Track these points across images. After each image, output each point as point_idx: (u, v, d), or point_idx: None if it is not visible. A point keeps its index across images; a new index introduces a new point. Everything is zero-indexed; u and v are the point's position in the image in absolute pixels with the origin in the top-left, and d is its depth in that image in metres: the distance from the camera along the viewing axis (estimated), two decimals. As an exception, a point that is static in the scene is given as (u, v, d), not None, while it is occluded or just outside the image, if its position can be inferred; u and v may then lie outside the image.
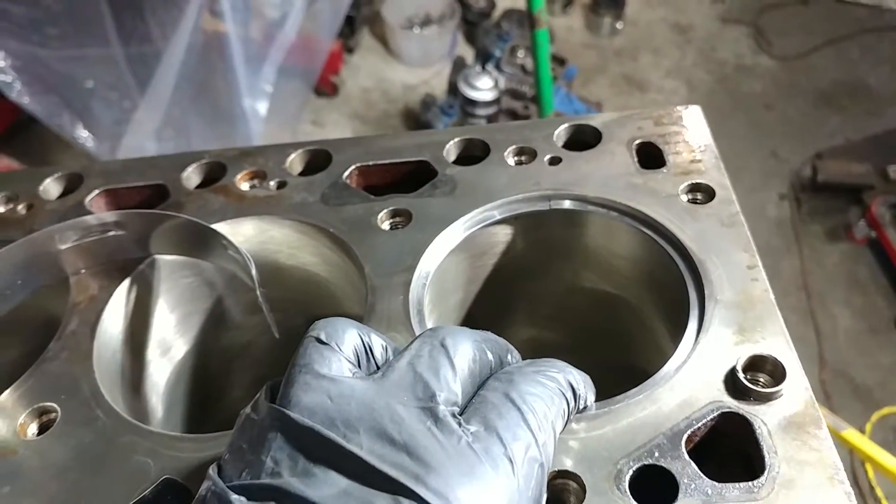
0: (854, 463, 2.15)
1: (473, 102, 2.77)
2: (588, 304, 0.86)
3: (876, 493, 2.14)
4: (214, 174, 0.85)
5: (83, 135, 2.53)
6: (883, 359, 2.49)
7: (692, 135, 0.80)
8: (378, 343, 0.52)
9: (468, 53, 3.31)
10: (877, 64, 3.37)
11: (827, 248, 2.77)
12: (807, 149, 2.98)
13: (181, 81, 2.41)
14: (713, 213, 0.72)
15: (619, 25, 3.58)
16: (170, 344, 0.82)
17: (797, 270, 2.69)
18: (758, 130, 3.12)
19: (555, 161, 0.79)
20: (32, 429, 0.62)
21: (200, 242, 0.73)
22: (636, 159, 0.78)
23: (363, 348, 0.51)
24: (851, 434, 1.77)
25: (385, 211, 0.76)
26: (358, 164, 0.82)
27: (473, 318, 0.85)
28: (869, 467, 2.15)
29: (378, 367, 0.51)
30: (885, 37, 3.50)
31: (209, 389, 0.89)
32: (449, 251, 0.73)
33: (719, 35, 3.60)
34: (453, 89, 2.90)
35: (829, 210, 2.84)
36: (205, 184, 0.85)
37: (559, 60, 2.96)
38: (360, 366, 0.50)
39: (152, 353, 0.80)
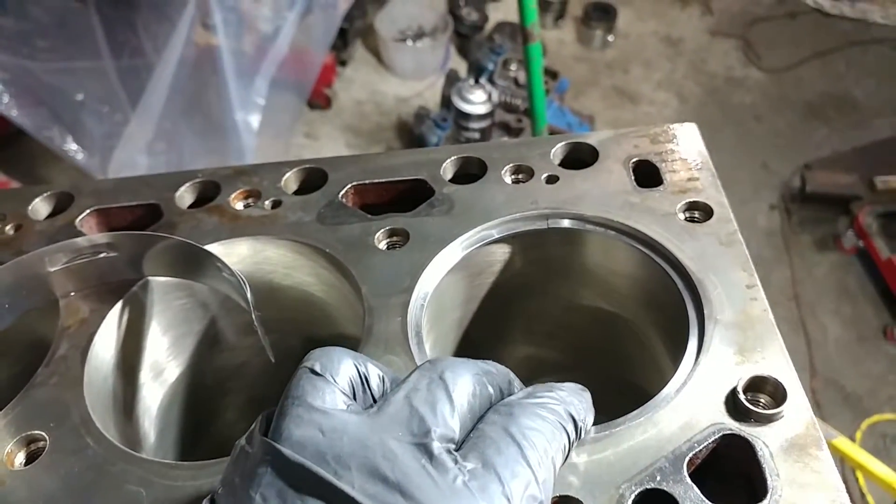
0: (845, 471, 2.16)
1: (467, 116, 2.77)
2: (586, 323, 0.86)
3: (867, 500, 2.15)
4: (208, 193, 0.84)
5: (73, 148, 2.51)
6: (872, 367, 2.50)
7: (688, 152, 0.80)
8: (375, 373, 0.50)
9: (461, 66, 3.32)
10: (862, 76, 3.41)
11: (816, 257, 2.79)
12: (796, 160, 3.00)
13: (173, 95, 2.39)
14: (711, 231, 0.72)
15: (610, 38, 3.60)
16: (162, 367, 0.81)
17: (788, 280, 2.70)
18: (748, 142, 3.14)
19: (552, 179, 0.78)
20: (20, 458, 0.61)
21: (194, 264, 0.72)
22: (633, 178, 0.78)
23: (359, 379, 0.49)
24: (842, 442, 1.78)
25: (382, 230, 0.75)
26: (354, 183, 0.81)
27: (471, 338, 0.84)
28: (860, 475, 2.15)
29: (375, 400, 0.50)
30: (870, 50, 3.54)
31: (202, 412, 0.87)
32: (447, 271, 0.73)
33: (709, 48, 3.63)
34: (446, 102, 2.90)
35: (818, 220, 2.86)
36: (198, 203, 0.84)
37: (551, 73, 2.97)
38: (355, 398, 0.49)
39: (145, 376, 0.78)
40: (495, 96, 2.81)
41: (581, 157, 0.81)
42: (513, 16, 3.15)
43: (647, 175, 0.78)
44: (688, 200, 0.74)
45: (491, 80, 2.90)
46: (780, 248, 2.80)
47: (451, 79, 2.94)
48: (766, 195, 2.96)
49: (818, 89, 3.36)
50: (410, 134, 3.12)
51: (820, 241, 2.82)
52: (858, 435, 2.28)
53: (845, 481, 2.17)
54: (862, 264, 2.73)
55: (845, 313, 2.63)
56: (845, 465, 2.11)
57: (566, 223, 0.75)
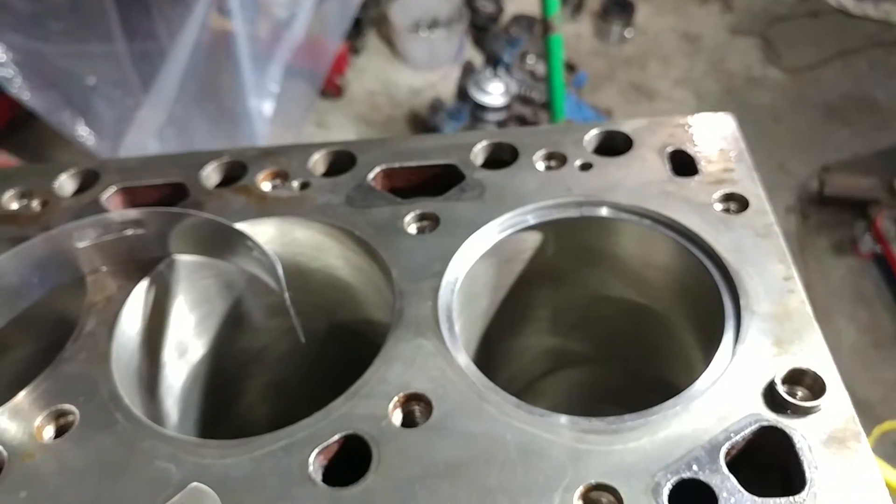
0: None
1: (483, 108, 2.76)
2: (615, 314, 0.85)
3: (880, 508, 2.13)
4: (235, 173, 0.83)
5: (84, 132, 2.51)
6: (886, 374, 2.48)
7: (725, 143, 0.79)
8: None
9: (475, 58, 3.31)
10: (885, 78, 3.38)
11: (832, 261, 2.77)
12: (814, 162, 2.98)
13: (186, 80, 2.39)
14: (747, 222, 0.71)
15: (627, 33, 3.58)
16: (187, 346, 0.80)
17: (802, 284, 2.68)
18: (766, 142, 3.12)
19: (586, 167, 0.77)
20: (49, 431, 0.61)
21: (223, 242, 0.71)
22: (669, 166, 0.77)
23: None
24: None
25: (412, 214, 0.74)
26: (383, 166, 0.80)
27: (498, 326, 0.84)
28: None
29: None
30: (893, 51, 3.51)
31: (224, 394, 0.87)
32: (479, 256, 0.72)
33: (728, 46, 3.60)
34: (462, 94, 2.89)
35: (836, 224, 2.84)
36: (225, 183, 0.83)
37: (570, 67, 2.96)
38: None
39: (169, 355, 0.78)
40: (512, 88, 2.80)
41: (614, 146, 0.81)
42: (529, 8, 3.14)
43: (683, 164, 0.77)
44: (724, 191, 0.74)
45: (508, 72, 2.89)
46: (795, 252, 2.78)
47: (467, 70, 2.93)
48: (782, 197, 2.94)
49: (839, 90, 3.34)
50: (423, 125, 3.11)
51: (836, 244, 2.80)
52: (870, 442, 2.27)
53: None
54: (879, 270, 2.71)
55: (860, 319, 2.61)
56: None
57: (602, 211, 0.74)
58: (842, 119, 3.23)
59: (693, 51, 3.59)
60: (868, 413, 2.37)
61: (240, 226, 0.74)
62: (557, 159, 0.79)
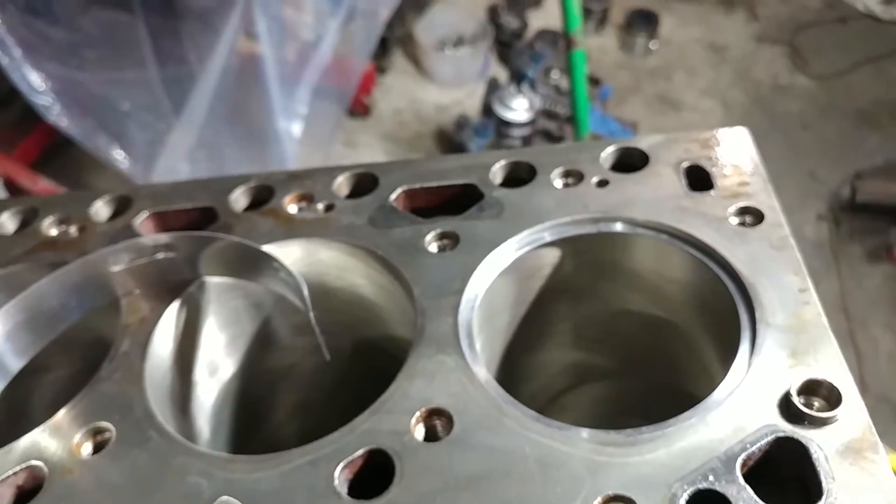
0: None
1: (508, 123, 2.78)
2: (635, 328, 0.85)
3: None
4: (262, 197, 0.86)
5: (118, 156, 2.57)
6: (927, 384, 2.42)
7: (739, 157, 0.80)
8: None
9: (500, 74, 3.33)
10: (917, 82, 3.32)
11: (867, 269, 2.72)
12: (845, 169, 2.93)
13: (216, 103, 2.44)
14: (763, 235, 0.72)
15: (652, 45, 3.58)
16: (217, 365, 0.83)
17: (836, 292, 2.63)
18: (795, 151, 3.08)
19: (602, 183, 0.78)
20: (87, 448, 0.63)
21: (251, 264, 0.74)
22: (685, 182, 0.78)
23: None
24: (894, 460, 1.72)
25: (432, 233, 0.76)
26: (405, 187, 0.83)
27: (519, 341, 0.85)
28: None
29: None
30: (924, 55, 3.44)
31: (254, 412, 0.89)
32: (498, 273, 0.73)
33: (755, 55, 3.57)
34: (487, 110, 2.91)
35: (870, 231, 2.79)
36: (253, 206, 0.86)
37: (594, 81, 2.96)
38: None
39: (200, 374, 0.80)
40: (537, 104, 2.82)
41: (631, 162, 0.82)
42: (553, 23, 3.16)
43: (698, 179, 0.78)
44: (739, 205, 0.74)
45: (532, 88, 2.91)
46: (828, 260, 2.74)
47: (492, 86, 2.96)
48: (813, 205, 2.90)
49: (870, 96, 3.29)
50: (450, 142, 3.14)
51: (871, 252, 2.75)
52: (911, 455, 2.21)
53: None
54: (916, 276, 2.65)
55: (898, 327, 2.55)
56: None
57: (617, 227, 0.75)
58: (872, 125, 3.18)
59: (719, 61, 3.57)
60: (909, 424, 2.32)
61: (267, 248, 0.77)
62: (574, 177, 0.80)
